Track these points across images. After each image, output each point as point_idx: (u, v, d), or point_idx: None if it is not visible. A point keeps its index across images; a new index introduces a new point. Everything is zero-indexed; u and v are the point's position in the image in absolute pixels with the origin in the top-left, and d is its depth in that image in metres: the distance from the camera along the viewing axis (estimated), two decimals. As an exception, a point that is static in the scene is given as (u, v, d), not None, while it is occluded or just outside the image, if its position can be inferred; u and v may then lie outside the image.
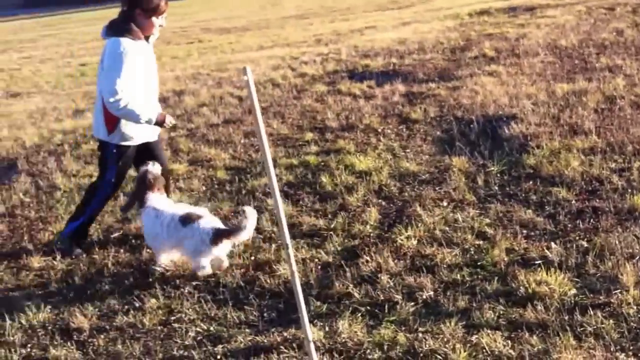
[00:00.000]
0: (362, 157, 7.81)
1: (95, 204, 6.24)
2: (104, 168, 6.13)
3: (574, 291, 4.60)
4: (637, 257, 4.91)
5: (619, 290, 4.51)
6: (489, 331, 4.28)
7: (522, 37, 14.46)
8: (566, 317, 4.31)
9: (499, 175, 6.86)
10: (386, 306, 4.75)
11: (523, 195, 6.33)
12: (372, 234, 5.90)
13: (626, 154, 6.84)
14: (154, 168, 5.83)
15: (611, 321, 4.21)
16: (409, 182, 7.00)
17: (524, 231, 5.62)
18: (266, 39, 21.31)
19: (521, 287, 4.70)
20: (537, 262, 5.04)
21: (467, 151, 7.55)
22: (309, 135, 9.14)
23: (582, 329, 4.17)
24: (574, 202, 6.00)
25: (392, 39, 16.41)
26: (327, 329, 4.58)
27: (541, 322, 4.30)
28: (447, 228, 5.83)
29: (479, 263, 5.19)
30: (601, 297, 4.49)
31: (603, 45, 12.53)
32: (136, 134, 6.00)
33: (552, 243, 5.33)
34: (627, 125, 7.71)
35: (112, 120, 5.84)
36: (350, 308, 4.78)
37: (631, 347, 3.96)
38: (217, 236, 5.30)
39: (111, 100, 5.56)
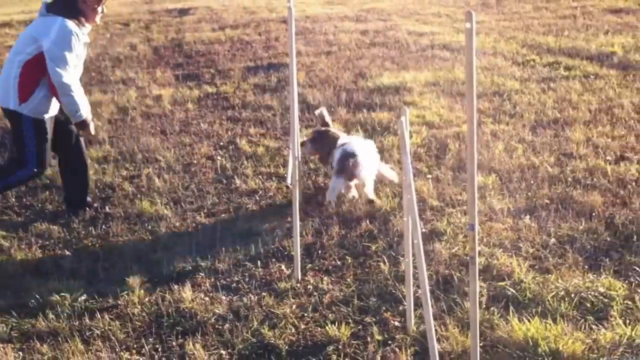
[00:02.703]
0: None
1: (13, 181, 5.82)
2: (21, 144, 5.62)
3: (84, 297, 4.67)
4: (144, 259, 5.20)
5: (126, 292, 4.70)
6: (0, 345, 4.15)
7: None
8: (76, 323, 4.36)
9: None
10: None
11: (40, 205, 6.24)
12: None
13: (137, 162, 7.19)
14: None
15: (117, 322, 4.36)
16: None
17: (40, 241, 5.55)
18: None
19: (34, 298, 4.64)
20: (50, 271, 5.02)
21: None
22: None
23: (90, 332, 4.26)
24: (87, 209, 6.09)
25: None
26: None
27: (52, 330, 4.28)
28: (-43, 244, 5.50)
29: (-11, 279, 4.99)
30: (110, 300, 4.63)
31: (118, 59, 12.93)
32: (49, 106, 5.62)
33: (66, 251, 5.36)
34: (138, 134, 8.09)
35: (26, 90, 5.47)
36: None
37: (135, 346, 4.15)
38: None
39: (65, 81, 5.36)
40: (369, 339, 4.06)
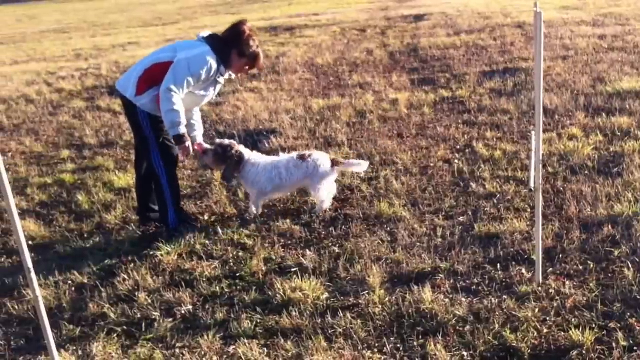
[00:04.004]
0: (122, 174, 7.59)
1: (164, 177, 5.98)
2: (144, 138, 5.92)
3: (326, 295, 4.75)
4: (383, 260, 5.18)
5: (366, 292, 4.72)
6: (246, 340, 4.29)
7: (282, 55, 14.87)
8: (319, 321, 4.42)
9: (258, 187, 6.95)
10: (143, 324, 4.62)
11: (281, 206, 6.45)
12: (130, 252, 5.73)
13: (374, 164, 7.23)
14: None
15: (359, 321, 4.38)
16: (170, 197, 6.89)
17: (282, 240, 5.73)
18: (21, 54, 20.21)
19: (277, 295, 4.77)
20: (293, 270, 5.15)
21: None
22: (65, 153, 8.77)
23: (332, 330, 4.31)
24: (328, 210, 6.21)
25: (155, 55, 16.17)
26: (80, 352, 4.36)
27: (296, 327, 4.38)
28: (207, 242, 5.79)
29: (238, 274, 5.20)
30: (351, 299, 4.67)
31: (355, 64, 13.21)
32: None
33: (307, 250, 5.48)
34: (375, 137, 8.16)
35: (143, 85, 5.73)
36: (106, 329, 4.60)
37: (377, 345, 4.15)
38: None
39: (170, 91, 5.55)
40: (614, 344, 3.92)
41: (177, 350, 4.30)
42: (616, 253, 4.95)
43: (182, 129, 5.71)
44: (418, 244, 5.39)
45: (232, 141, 6.29)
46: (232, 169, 6.13)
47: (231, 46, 5.76)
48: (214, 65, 5.66)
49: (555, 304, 4.37)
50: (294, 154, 6.28)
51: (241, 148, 6.23)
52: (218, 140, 6.31)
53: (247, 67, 5.95)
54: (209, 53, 5.63)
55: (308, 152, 6.33)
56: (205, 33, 5.84)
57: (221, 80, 5.90)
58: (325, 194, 6.20)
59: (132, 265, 5.47)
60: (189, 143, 5.82)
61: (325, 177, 6.17)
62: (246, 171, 6.15)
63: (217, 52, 5.68)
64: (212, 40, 5.75)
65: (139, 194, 6.32)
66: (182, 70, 5.56)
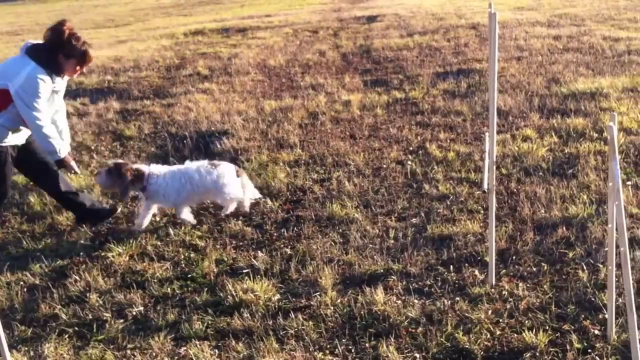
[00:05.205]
0: (73, 175, 7.46)
1: None
2: None
3: (277, 296, 4.75)
4: (335, 261, 5.19)
5: (318, 293, 4.73)
6: (197, 342, 4.28)
7: (234, 56, 14.78)
8: (270, 322, 4.43)
9: (210, 188, 6.90)
10: (95, 325, 4.58)
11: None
12: (82, 253, 5.66)
13: (326, 165, 7.25)
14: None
15: (311, 323, 4.39)
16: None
17: (233, 242, 5.71)
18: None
19: (229, 296, 4.75)
20: (244, 271, 5.14)
21: (180, 166, 7.51)
22: (16, 154, 8.60)
23: (284, 332, 4.31)
24: (279, 211, 6.21)
25: (108, 56, 15.92)
26: (31, 353, 4.32)
27: (247, 328, 4.38)
28: (159, 243, 5.75)
29: (189, 275, 5.18)
30: (302, 301, 4.68)
31: (307, 65, 13.20)
32: (5, 135, 5.65)
33: (259, 251, 5.47)
34: (327, 138, 8.17)
35: None
36: (57, 330, 4.56)
37: (328, 346, 4.16)
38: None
39: (37, 122, 5.47)
40: (567, 347, 3.96)
41: (128, 351, 4.28)
42: (570, 255, 5.00)
43: (62, 154, 5.71)
44: (370, 245, 5.42)
45: (125, 161, 6.27)
46: (130, 187, 5.96)
47: (56, 51, 5.55)
48: (47, 79, 5.49)
49: (508, 306, 4.41)
50: (204, 162, 6.23)
51: (137, 165, 6.15)
52: (111, 161, 6.26)
53: (78, 67, 5.73)
54: (35, 69, 5.44)
55: (216, 162, 6.26)
56: (29, 43, 5.59)
57: (58, 87, 5.69)
58: (232, 202, 6.24)
59: (83, 266, 5.41)
60: (72, 163, 5.85)
61: (231, 186, 6.11)
62: (153, 185, 6.00)
63: (43, 65, 5.48)
64: (36, 53, 5.52)
65: (66, 207, 6.35)
66: (27, 98, 5.41)
